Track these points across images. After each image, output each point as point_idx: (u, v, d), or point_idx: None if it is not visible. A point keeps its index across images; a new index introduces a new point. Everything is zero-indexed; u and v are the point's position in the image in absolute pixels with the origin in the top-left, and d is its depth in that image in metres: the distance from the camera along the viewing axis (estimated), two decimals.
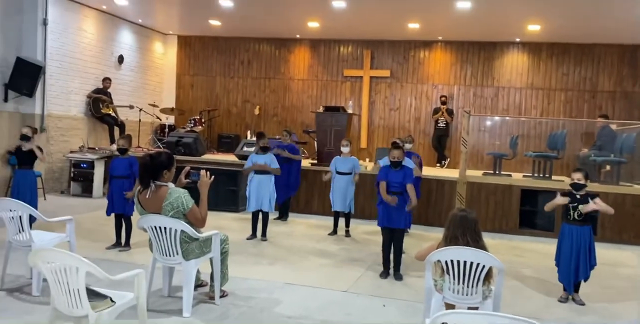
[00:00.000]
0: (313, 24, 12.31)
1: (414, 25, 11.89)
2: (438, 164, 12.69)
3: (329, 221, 8.69)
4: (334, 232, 8.39)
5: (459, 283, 3.92)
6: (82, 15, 11.54)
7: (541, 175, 9.98)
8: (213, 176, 4.46)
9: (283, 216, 9.43)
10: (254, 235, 7.79)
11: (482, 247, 3.90)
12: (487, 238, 8.61)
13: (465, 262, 3.85)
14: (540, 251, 8.08)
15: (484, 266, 3.85)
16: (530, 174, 10.37)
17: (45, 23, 10.36)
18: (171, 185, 4.49)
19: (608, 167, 10.03)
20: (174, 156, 10.55)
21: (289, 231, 8.60)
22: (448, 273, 3.93)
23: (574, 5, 9.65)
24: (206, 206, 4.54)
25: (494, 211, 9.46)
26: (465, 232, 3.91)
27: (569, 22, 10.87)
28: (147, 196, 4.42)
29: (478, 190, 9.54)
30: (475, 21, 11.12)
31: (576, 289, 5.58)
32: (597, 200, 5.52)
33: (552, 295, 5.71)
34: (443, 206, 9.54)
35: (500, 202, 9.45)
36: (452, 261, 3.88)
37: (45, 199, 9.93)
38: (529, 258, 7.61)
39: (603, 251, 8.24)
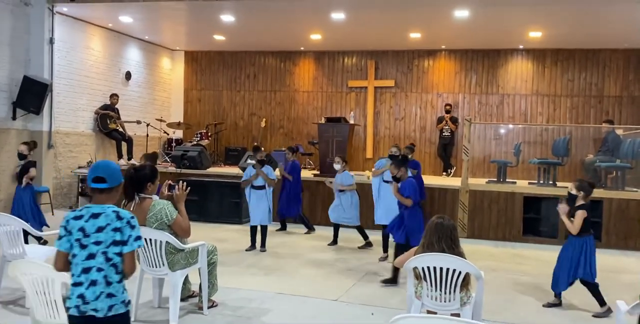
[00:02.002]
0: (316, 36, 12.42)
1: (415, 35, 11.94)
2: (444, 173, 12.66)
3: (330, 231, 8.68)
4: (334, 242, 8.41)
5: (436, 290, 3.94)
6: (88, 34, 11.80)
7: (546, 182, 9.91)
8: (189, 188, 4.52)
9: (283, 228, 9.49)
10: (252, 246, 7.85)
11: (459, 254, 3.92)
12: (490, 246, 8.72)
13: (440, 268, 3.86)
14: (542, 259, 8.00)
15: (460, 273, 3.86)
16: (536, 181, 10.31)
17: (52, 42, 10.62)
18: (155, 197, 4.58)
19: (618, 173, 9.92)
20: (180, 168, 10.64)
21: (290, 241, 8.64)
22: (425, 279, 3.95)
23: (572, 11, 9.64)
24: (187, 217, 4.59)
25: (497, 219, 9.41)
26: (440, 239, 3.94)
27: (571, 28, 10.83)
28: (131, 209, 4.51)
29: (481, 198, 9.50)
30: (476, 29, 11.14)
31: (601, 302, 5.37)
32: (577, 215, 5.42)
33: (546, 302, 5.66)
34: (444, 214, 9.48)
35: (503, 210, 9.40)
36: (427, 267, 3.90)
37: (53, 214, 10.10)
38: (529, 265, 7.55)
39: (607, 257, 8.15)
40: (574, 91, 12.70)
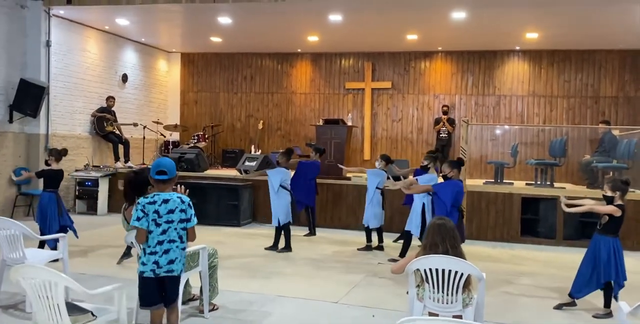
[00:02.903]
0: (313, 38, 12.44)
1: (412, 37, 11.97)
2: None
3: (334, 233, 8.69)
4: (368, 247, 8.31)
5: (438, 292, 3.94)
6: (85, 36, 11.78)
7: (543, 183, 9.94)
8: (187, 190, 4.53)
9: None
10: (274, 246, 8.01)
11: (460, 253, 3.93)
12: (488, 247, 8.73)
13: (443, 270, 3.87)
14: (540, 259, 8.05)
15: (462, 274, 3.86)
16: (533, 182, 10.35)
17: (48, 45, 10.60)
18: None
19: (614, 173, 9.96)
20: (177, 171, 10.58)
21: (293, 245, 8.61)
22: (427, 281, 3.96)
23: (568, 13, 9.67)
24: None
25: (495, 220, 9.43)
26: (444, 239, 3.96)
27: (567, 30, 10.87)
28: (132, 212, 4.49)
29: (478, 199, 9.51)
30: (473, 31, 11.17)
31: (605, 304, 5.35)
32: (611, 206, 5.36)
33: (547, 303, 5.69)
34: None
35: (501, 210, 9.42)
36: (430, 269, 3.90)
37: None
38: (527, 266, 7.58)
39: None
40: (570, 92, 12.75)
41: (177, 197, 3.83)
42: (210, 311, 5.01)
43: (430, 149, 13.16)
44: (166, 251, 3.77)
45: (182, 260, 3.87)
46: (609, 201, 5.41)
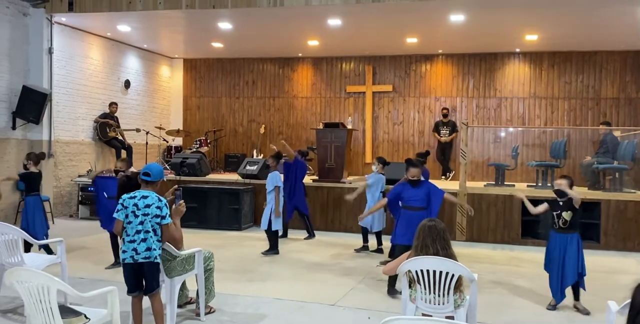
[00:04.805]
0: (313, 43, 12.49)
1: (412, 40, 12.00)
2: (443, 177, 12.68)
3: (334, 236, 8.69)
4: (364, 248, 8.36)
5: (429, 293, 3.96)
6: (87, 43, 11.88)
7: (544, 184, 9.93)
8: (183, 201, 4.58)
9: (284, 235, 9.48)
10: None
11: (451, 255, 3.95)
12: (489, 249, 8.73)
13: (434, 271, 3.89)
14: (539, 261, 7.92)
15: (453, 275, 3.88)
16: (534, 184, 10.34)
17: (50, 52, 10.70)
18: None
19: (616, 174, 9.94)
20: (179, 176, 10.64)
21: (288, 247, 8.64)
22: (418, 282, 3.98)
23: (567, 14, 9.67)
24: (180, 229, 4.56)
25: (495, 222, 9.43)
26: (435, 240, 3.98)
27: (567, 31, 10.87)
28: None
29: (479, 201, 9.52)
30: (472, 33, 11.19)
31: (576, 297, 5.57)
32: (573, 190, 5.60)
33: (543, 304, 5.69)
34: (443, 218, 9.49)
35: (501, 212, 9.42)
36: (421, 270, 3.92)
37: (53, 222, 10.14)
38: (526, 267, 7.56)
39: (605, 259, 8.21)
40: (571, 93, 12.74)
41: (156, 195, 4.26)
42: (206, 314, 5.05)
43: (431, 152, 13.21)
44: (143, 240, 4.18)
45: (158, 249, 4.25)
46: (561, 194, 5.62)
